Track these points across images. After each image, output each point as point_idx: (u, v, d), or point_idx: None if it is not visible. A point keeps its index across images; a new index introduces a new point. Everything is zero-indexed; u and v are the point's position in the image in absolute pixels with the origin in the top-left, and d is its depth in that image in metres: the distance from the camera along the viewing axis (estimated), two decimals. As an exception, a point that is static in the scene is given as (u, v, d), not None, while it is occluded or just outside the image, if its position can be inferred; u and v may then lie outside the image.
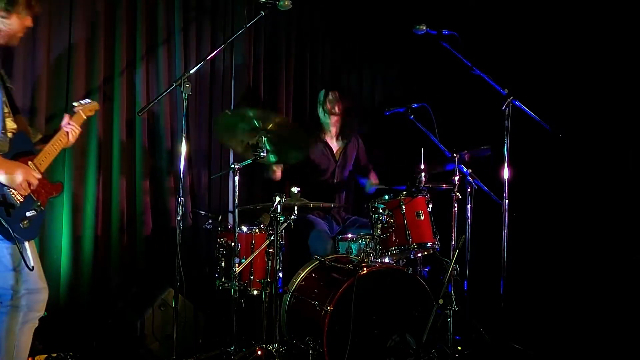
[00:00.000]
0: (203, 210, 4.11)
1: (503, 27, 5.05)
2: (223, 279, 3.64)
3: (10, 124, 2.76)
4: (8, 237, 2.60)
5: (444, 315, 3.36)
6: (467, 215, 3.98)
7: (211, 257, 3.85)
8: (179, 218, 3.26)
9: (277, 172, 4.26)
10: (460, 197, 3.84)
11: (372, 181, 4.59)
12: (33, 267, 2.66)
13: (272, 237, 3.45)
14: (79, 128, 3.04)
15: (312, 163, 4.43)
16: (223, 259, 3.65)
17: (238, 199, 3.54)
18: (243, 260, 3.53)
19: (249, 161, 3.56)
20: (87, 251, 3.99)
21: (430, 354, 3.32)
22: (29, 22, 2.81)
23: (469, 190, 3.99)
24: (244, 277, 3.60)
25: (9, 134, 2.73)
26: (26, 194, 2.68)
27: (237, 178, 3.51)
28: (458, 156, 3.82)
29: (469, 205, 3.98)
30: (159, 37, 4.26)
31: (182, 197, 3.27)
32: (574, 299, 4.44)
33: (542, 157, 4.74)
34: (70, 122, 2.99)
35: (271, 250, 3.45)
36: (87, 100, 3.17)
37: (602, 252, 4.50)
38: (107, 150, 4.09)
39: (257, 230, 3.65)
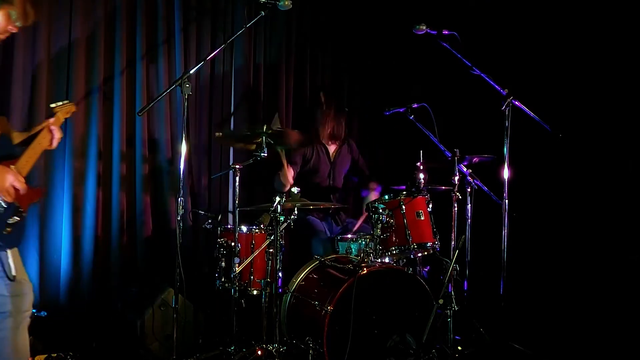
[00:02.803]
0: (203, 210, 4.12)
1: (503, 27, 5.05)
2: (223, 279, 3.64)
3: None
4: None
5: (444, 315, 3.36)
6: (467, 215, 3.98)
7: (211, 257, 3.85)
8: (179, 218, 3.26)
9: (289, 175, 4.24)
10: (460, 197, 3.84)
11: (373, 194, 4.52)
12: (14, 276, 2.56)
13: (272, 237, 3.45)
14: (61, 133, 2.94)
15: (308, 164, 4.43)
16: (223, 259, 3.65)
17: (238, 199, 3.54)
18: (243, 260, 3.53)
19: (250, 161, 3.56)
20: (87, 251, 3.99)
21: (430, 354, 3.32)
22: (12, 27, 2.63)
23: (468, 190, 3.99)
24: (244, 277, 3.60)
25: None
26: (11, 200, 2.56)
27: (237, 178, 3.51)
28: (458, 156, 3.82)
29: (469, 205, 3.98)
30: (159, 37, 4.27)
31: (182, 197, 3.27)
32: (574, 298, 4.44)
33: (542, 157, 4.74)
34: (53, 127, 2.87)
35: (271, 250, 3.45)
36: (66, 101, 3.08)
37: (601, 252, 4.50)
38: (107, 150, 4.09)
39: (257, 230, 3.65)
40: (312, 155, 4.44)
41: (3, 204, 2.54)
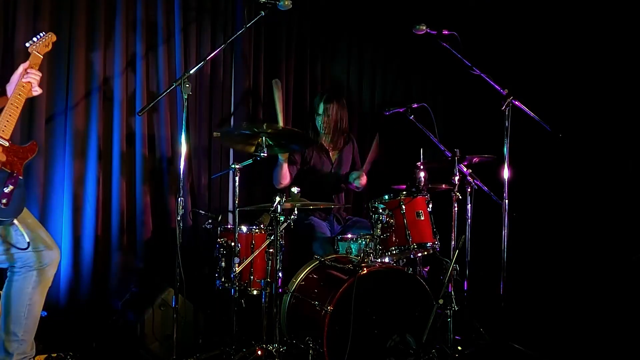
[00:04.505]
0: (203, 210, 4.12)
1: (503, 27, 5.05)
2: (223, 279, 3.64)
3: None
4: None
5: (444, 315, 3.36)
6: (467, 215, 3.98)
7: (211, 257, 3.84)
8: (179, 218, 3.26)
9: (286, 174, 4.24)
10: (460, 197, 3.84)
11: (357, 173, 4.43)
12: (29, 243, 2.54)
13: (272, 237, 3.45)
14: (39, 73, 2.74)
15: (308, 164, 4.43)
16: (223, 259, 3.65)
17: (238, 199, 3.54)
18: (243, 260, 3.53)
19: (249, 161, 3.56)
20: (87, 251, 3.99)
21: (430, 354, 3.32)
22: None
23: (469, 190, 3.99)
24: (244, 277, 3.60)
25: None
26: None
27: (237, 178, 3.51)
28: (458, 156, 3.82)
29: (469, 205, 3.98)
30: (159, 37, 4.26)
31: (182, 197, 3.27)
32: (574, 298, 4.45)
33: (542, 157, 4.74)
34: (29, 70, 2.70)
35: (271, 250, 3.45)
36: (41, 34, 2.86)
37: (601, 252, 4.51)
38: (107, 150, 4.09)
39: (257, 230, 3.64)
40: (312, 155, 4.44)
41: None
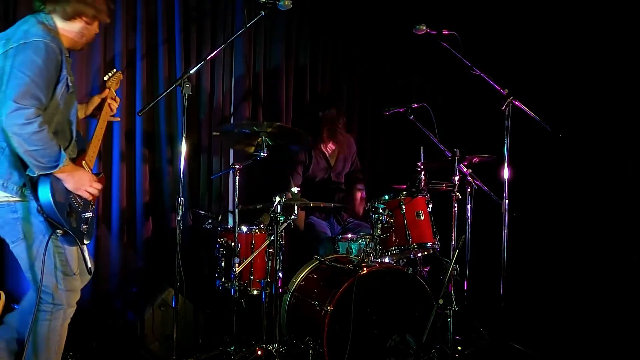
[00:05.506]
0: (203, 210, 4.11)
1: (503, 27, 5.05)
2: (223, 279, 3.64)
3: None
4: (74, 243, 2.67)
5: (444, 315, 3.36)
6: (467, 215, 3.98)
7: (211, 257, 3.85)
8: (179, 218, 3.26)
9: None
10: (460, 197, 3.84)
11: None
12: (91, 268, 2.72)
13: (272, 237, 3.45)
14: (117, 98, 3.11)
15: (307, 171, 4.43)
16: (223, 259, 3.65)
17: (238, 199, 3.54)
18: (243, 260, 3.53)
19: (249, 161, 3.56)
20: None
21: (430, 354, 3.32)
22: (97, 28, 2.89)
23: (468, 190, 3.99)
24: (244, 277, 3.60)
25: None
26: (90, 198, 2.73)
27: (237, 178, 3.51)
28: (458, 156, 3.82)
29: (469, 205, 3.98)
30: (159, 37, 4.26)
31: (182, 197, 3.27)
32: (574, 298, 4.45)
33: (542, 157, 4.74)
34: (111, 101, 3.04)
35: (271, 250, 3.45)
36: (113, 71, 3.17)
37: (601, 252, 4.50)
38: (107, 150, 4.09)
39: (257, 230, 3.64)
40: (311, 162, 4.43)
41: (80, 202, 2.69)
